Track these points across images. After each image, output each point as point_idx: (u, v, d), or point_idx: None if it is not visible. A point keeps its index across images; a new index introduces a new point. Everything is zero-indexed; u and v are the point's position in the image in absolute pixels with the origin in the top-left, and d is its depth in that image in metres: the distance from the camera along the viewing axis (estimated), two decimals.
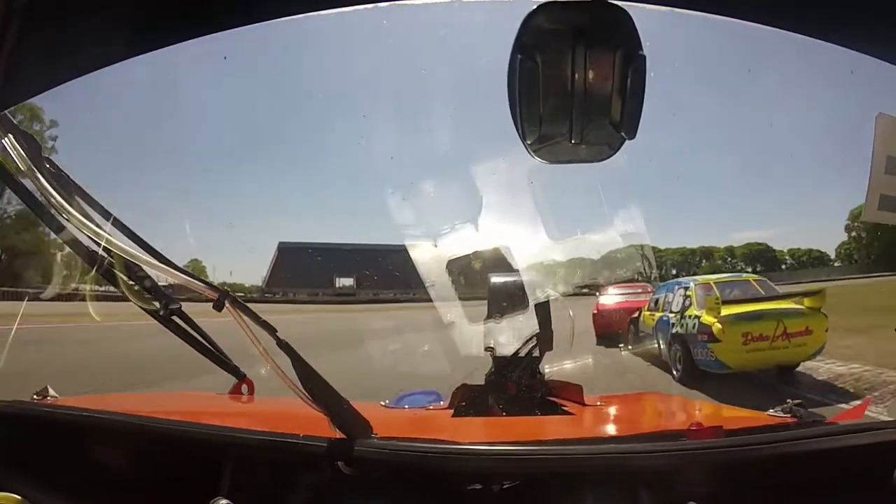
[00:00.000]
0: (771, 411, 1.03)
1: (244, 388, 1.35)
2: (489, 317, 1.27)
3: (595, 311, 8.62)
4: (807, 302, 5.64)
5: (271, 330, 0.81)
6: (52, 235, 0.78)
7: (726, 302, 5.71)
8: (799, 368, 5.87)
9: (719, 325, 5.40)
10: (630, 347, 7.72)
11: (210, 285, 0.72)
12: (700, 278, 7.06)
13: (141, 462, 0.89)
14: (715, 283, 6.51)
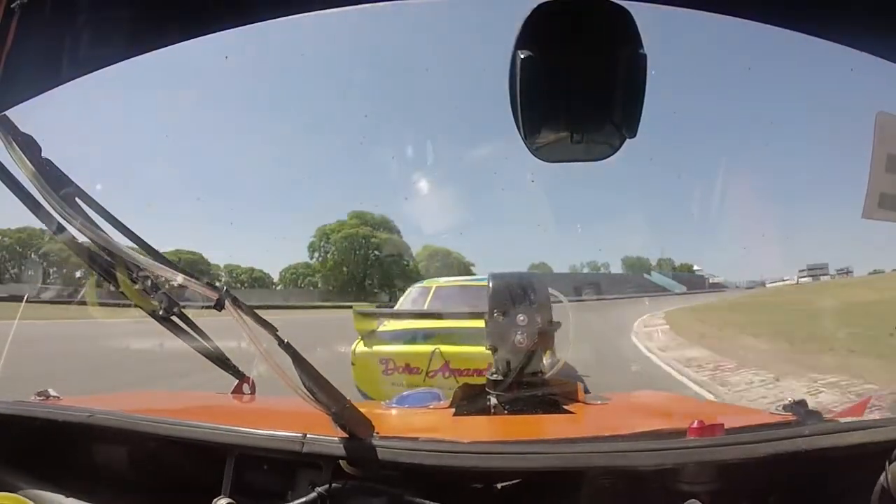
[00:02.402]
0: (772, 409, 1.03)
1: (245, 387, 1.36)
2: (490, 315, 1.27)
3: None
4: None
5: (272, 329, 0.81)
6: (52, 236, 0.78)
7: (368, 314, 4.19)
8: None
9: (356, 344, 4.06)
10: None
11: (210, 285, 0.72)
12: (429, 281, 5.54)
13: (143, 461, 0.89)
14: (436, 287, 5.05)
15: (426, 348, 3.76)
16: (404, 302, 5.05)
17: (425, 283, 5.42)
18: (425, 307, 4.62)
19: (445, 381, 3.64)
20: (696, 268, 58.35)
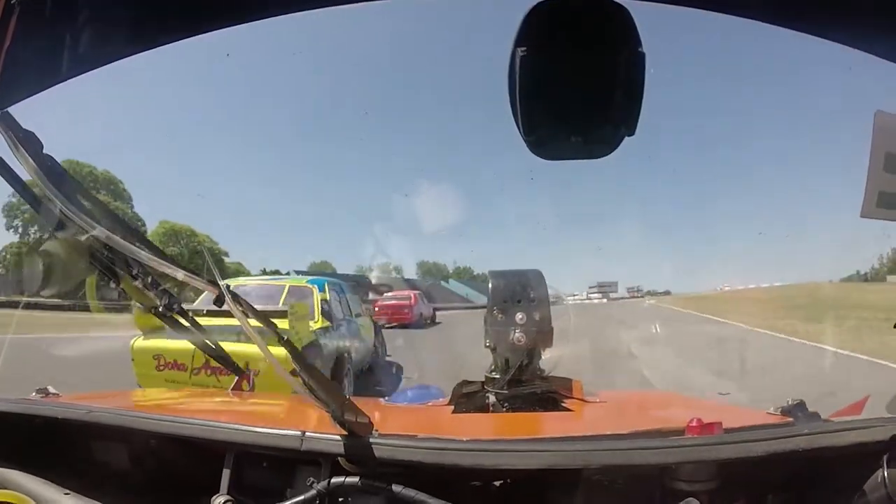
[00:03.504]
0: (770, 409, 1.03)
1: (245, 384, 1.36)
2: (489, 313, 1.27)
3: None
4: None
5: (272, 326, 0.82)
6: (53, 233, 0.78)
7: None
8: None
9: (135, 340, 4.16)
10: None
11: (211, 282, 0.73)
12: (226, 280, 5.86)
13: (142, 458, 0.89)
14: (233, 286, 5.18)
15: (191, 345, 3.73)
16: (203, 299, 5.09)
17: (240, 280, 5.75)
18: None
19: (208, 379, 3.74)
20: None
